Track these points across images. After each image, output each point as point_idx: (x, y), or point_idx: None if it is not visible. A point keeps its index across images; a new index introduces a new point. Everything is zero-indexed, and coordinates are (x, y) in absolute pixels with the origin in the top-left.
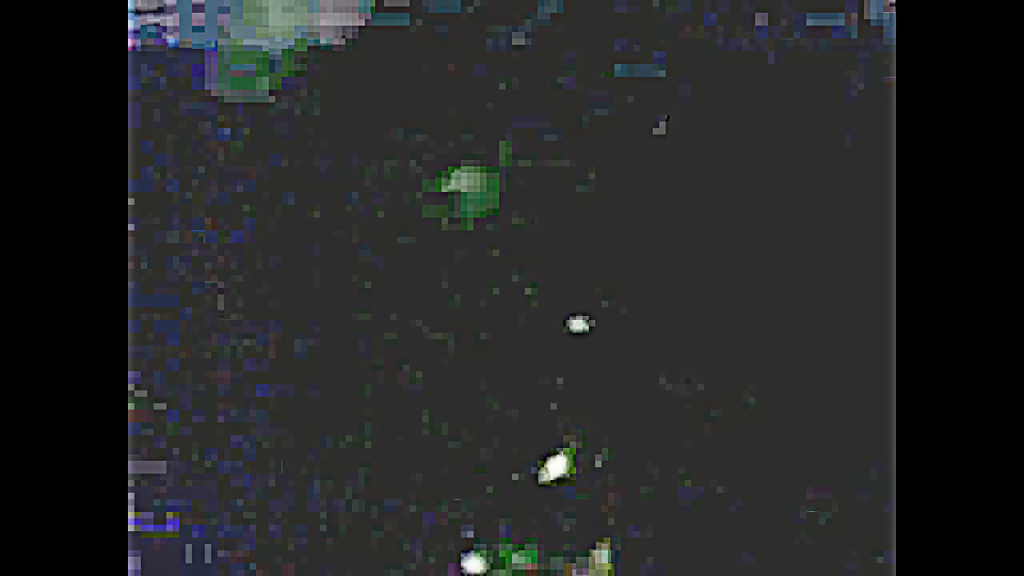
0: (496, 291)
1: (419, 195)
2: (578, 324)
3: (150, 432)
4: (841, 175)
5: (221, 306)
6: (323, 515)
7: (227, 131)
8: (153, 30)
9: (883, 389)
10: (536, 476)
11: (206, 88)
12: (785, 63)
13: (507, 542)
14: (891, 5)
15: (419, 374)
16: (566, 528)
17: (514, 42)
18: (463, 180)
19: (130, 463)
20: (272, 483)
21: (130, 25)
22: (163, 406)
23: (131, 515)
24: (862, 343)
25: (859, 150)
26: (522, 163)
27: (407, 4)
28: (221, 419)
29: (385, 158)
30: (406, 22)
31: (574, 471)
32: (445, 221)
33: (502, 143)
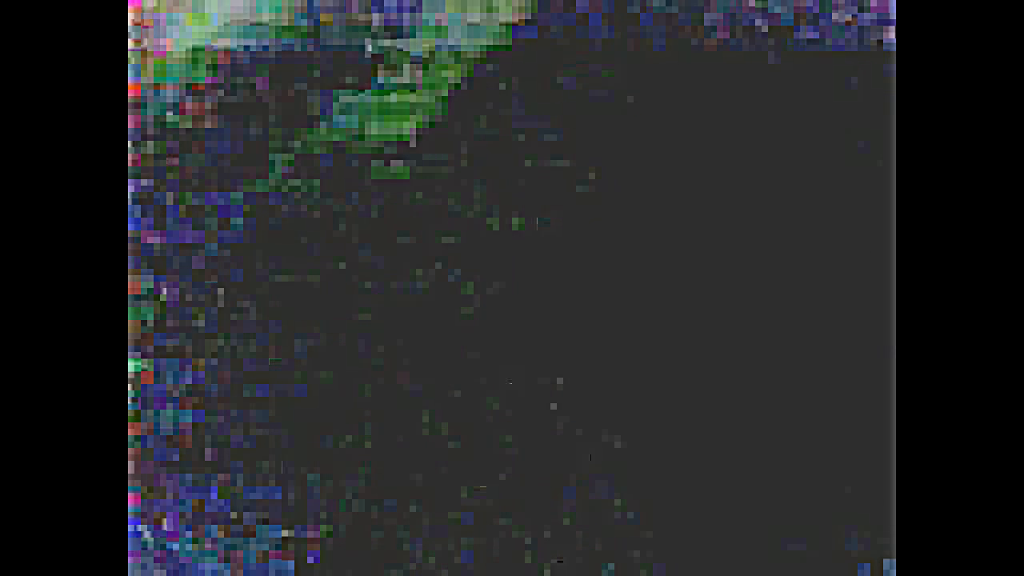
0: (495, 291)
1: (419, 195)
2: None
3: (149, 432)
4: (841, 175)
5: (222, 305)
6: (323, 515)
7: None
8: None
9: (883, 391)
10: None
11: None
12: (785, 63)
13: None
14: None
15: (419, 374)
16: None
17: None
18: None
19: (129, 463)
20: (272, 483)
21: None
22: (162, 406)
23: (130, 515)
24: (861, 343)
25: (859, 150)
26: (525, 164)
27: None
28: (221, 419)
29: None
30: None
31: None
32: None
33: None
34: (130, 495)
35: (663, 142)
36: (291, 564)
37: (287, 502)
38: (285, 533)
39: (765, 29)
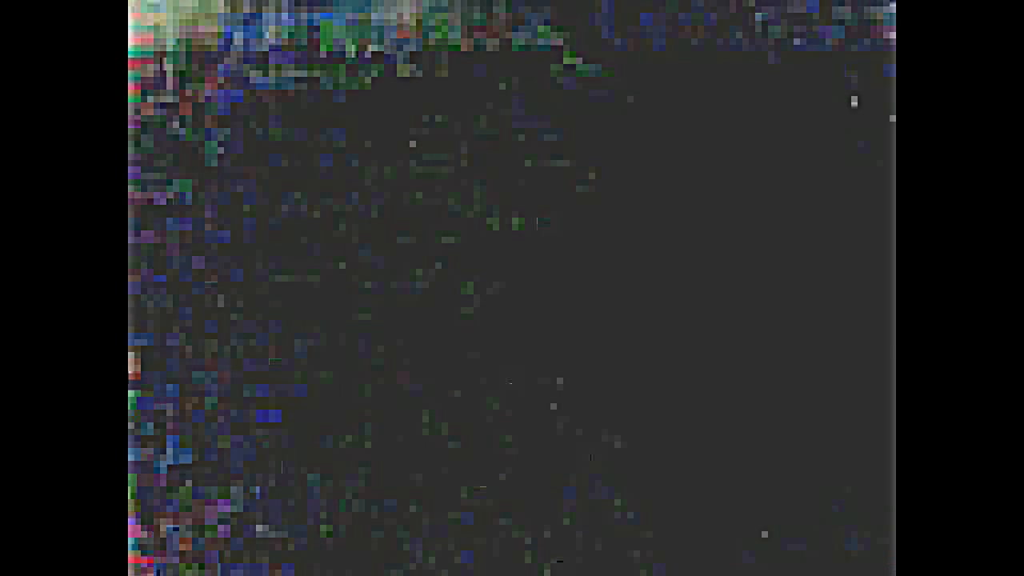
0: (496, 291)
1: (419, 195)
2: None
3: (149, 432)
4: (841, 175)
5: (221, 304)
6: (323, 515)
7: (227, 129)
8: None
9: (883, 391)
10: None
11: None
12: (785, 63)
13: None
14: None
15: (419, 374)
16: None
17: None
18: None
19: (129, 463)
20: (272, 483)
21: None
22: (163, 406)
23: (130, 515)
24: (861, 343)
25: (859, 150)
26: (526, 163)
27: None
28: (221, 419)
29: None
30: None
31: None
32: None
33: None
34: (130, 495)
35: (663, 142)
36: (291, 564)
37: (287, 502)
38: (285, 533)
39: (765, 29)
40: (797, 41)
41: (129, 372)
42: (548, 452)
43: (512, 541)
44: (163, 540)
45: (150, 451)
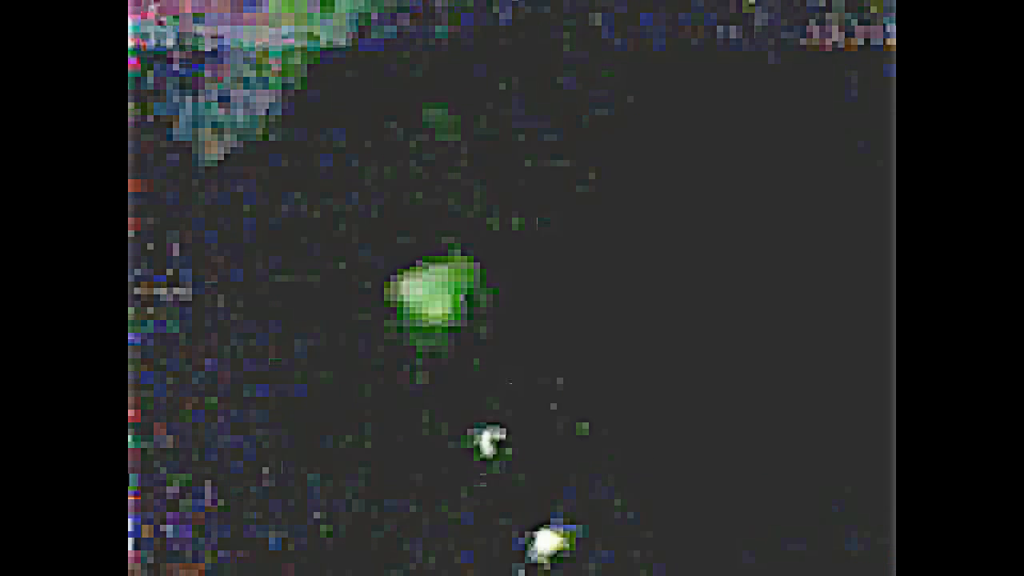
0: (496, 291)
1: (419, 195)
2: (487, 443)
3: (149, 433)
4: (841, 175)
5: (221, 304)
6: (323, 515)
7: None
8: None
9: (883, 391)
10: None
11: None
12: (785, 63)
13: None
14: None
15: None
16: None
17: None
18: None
19: (129, 463)
20: (272, 483)
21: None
22: (162, 406)
23: (130, 516)
24: (861, 346)
25: (859, 150)
26: (525, 164)
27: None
28: (221, 419)
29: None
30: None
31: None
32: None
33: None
34: (130, 494)
35: (663, 142)
36: (291, 564)
37: (287, 502)
38: (285, 533)
39: (765, 29)
40: (797, 41)
41: (129, 372)
42: (548, 452)
43: (512, 541)
44: (163, 539)
45: (150, 450)
